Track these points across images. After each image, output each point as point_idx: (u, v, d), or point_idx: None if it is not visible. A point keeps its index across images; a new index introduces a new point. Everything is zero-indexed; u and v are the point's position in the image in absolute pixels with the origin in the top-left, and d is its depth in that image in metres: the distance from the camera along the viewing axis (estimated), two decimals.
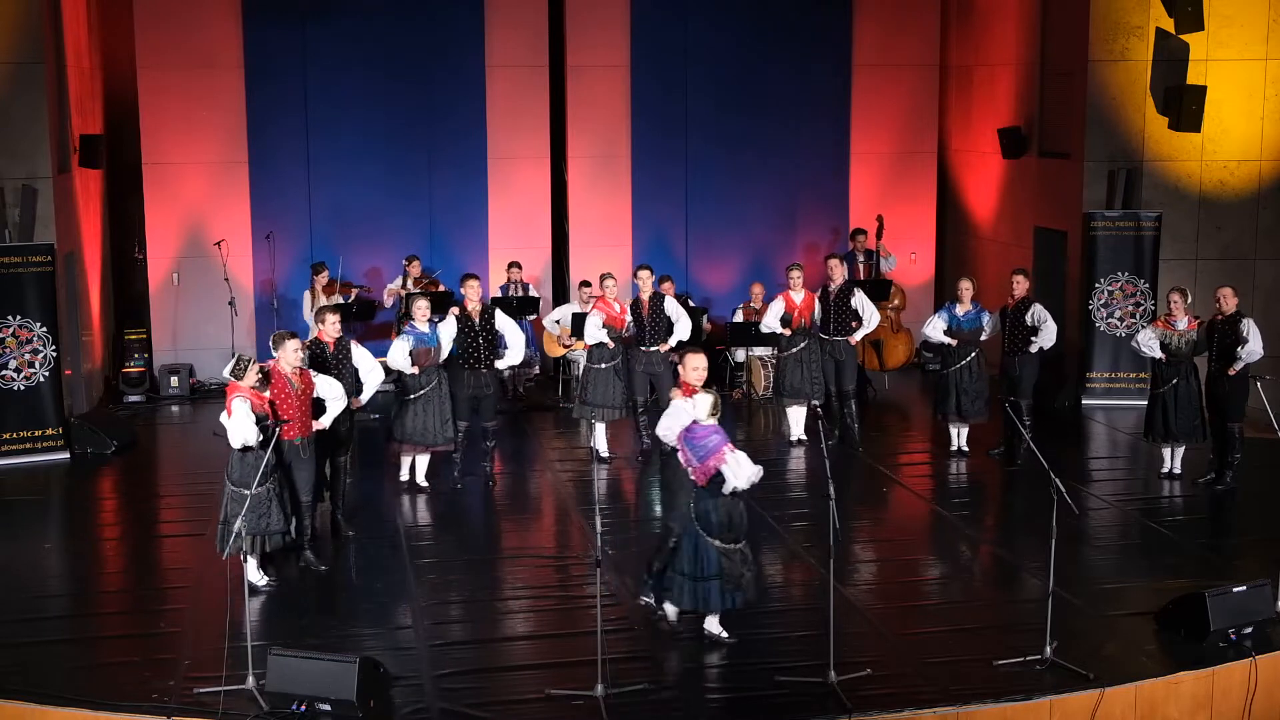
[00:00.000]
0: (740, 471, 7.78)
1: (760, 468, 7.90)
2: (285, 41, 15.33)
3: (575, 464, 12.36)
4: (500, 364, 11.37)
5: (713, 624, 8.13)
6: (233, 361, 8.76)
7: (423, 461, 11.31)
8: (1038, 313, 11.91)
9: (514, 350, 11.39)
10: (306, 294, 14.62)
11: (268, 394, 8.87)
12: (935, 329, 12.12)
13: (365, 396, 10.25)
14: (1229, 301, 11.18)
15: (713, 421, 7.93)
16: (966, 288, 12.13)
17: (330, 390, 9.43)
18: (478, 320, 11.16)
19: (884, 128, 16.75)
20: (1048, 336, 11.83)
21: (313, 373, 9.34)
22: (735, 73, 16.27)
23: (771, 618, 8.55)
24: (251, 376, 8.68)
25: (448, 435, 11.06)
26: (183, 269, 15.49)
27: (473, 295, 11.23)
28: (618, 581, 9.16)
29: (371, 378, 10.18)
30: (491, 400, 11.38)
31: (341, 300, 14.45)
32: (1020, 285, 11.99)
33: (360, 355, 10.17)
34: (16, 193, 12.68)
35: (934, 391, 12.64)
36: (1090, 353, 14.43)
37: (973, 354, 12.07)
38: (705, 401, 7.95)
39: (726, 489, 7.83)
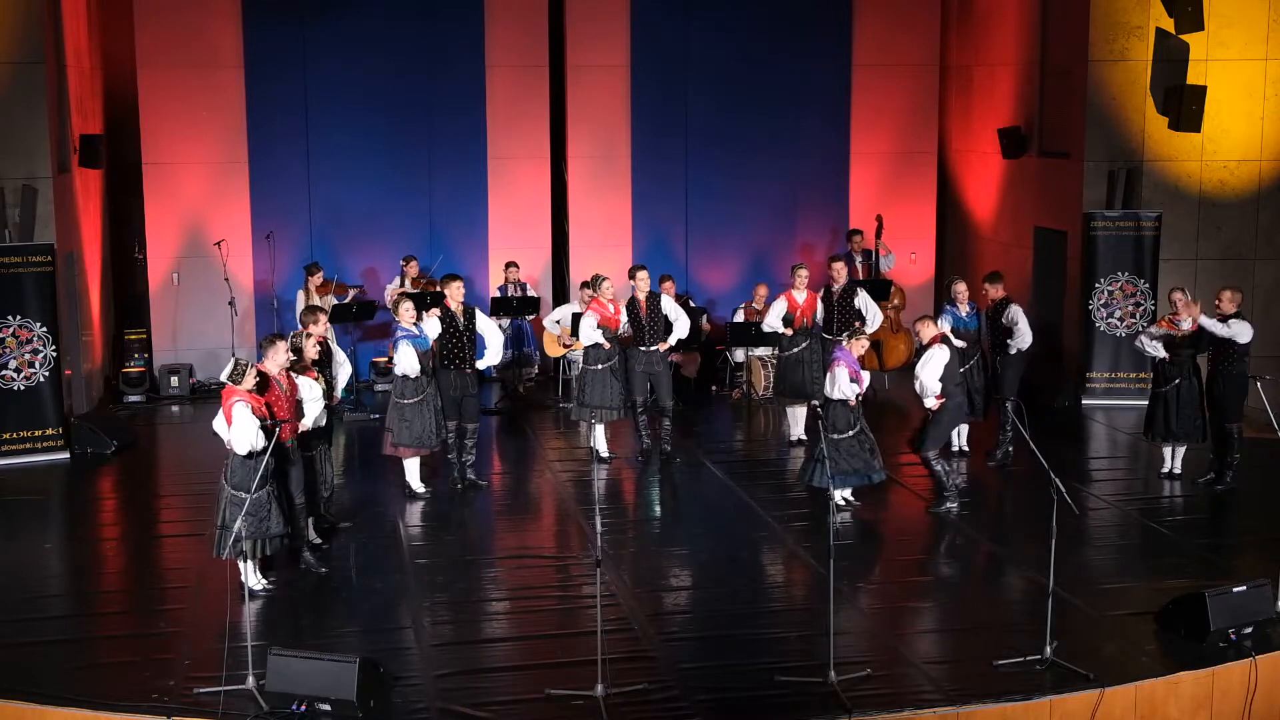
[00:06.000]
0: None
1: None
2: (285, 41, 15.32)
3: (575, 464, 12.36)
4: (479, 364, 11.41)
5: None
6: (230, 365, 8.71)
7: (415, 464, 11.30)
8: (1012, 313, 11.92)
9: (492, 351, 11.45)
10: (300, 294, 14.60)
11: (264, 397, 8.85)
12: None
13: (339, 392, 10.33)
14: (1228, 304, 11.17)
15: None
16: (962, 289, 12.10)
17: (309, 391, 9.42)
18: (461, 320, 11.19)
19: (884, 127, 16.74)
20: (1021, 338, 11.86)
21: (291, 374, 9.34)
22: (735, 72, 16.26)
23: (771, 618, 8.56)
24: (250, 380, 8.65)
25: (442, 437, 11.10)
26: (183, 269, 15.48)
27: (456, 295, 11.25)
28: (618, 581, 9.17)
29: (341, 372, 10.29)
30: (475, 401, 11.43)
31: (336, 300, 14.44)
32: (994, 290, 12.06)
33: (334, 349, 10.34)
34: (16, 193, 12.68)
35: None
36: (1090, 353, 14.41)
37: (977, 354, 12.09)
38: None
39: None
